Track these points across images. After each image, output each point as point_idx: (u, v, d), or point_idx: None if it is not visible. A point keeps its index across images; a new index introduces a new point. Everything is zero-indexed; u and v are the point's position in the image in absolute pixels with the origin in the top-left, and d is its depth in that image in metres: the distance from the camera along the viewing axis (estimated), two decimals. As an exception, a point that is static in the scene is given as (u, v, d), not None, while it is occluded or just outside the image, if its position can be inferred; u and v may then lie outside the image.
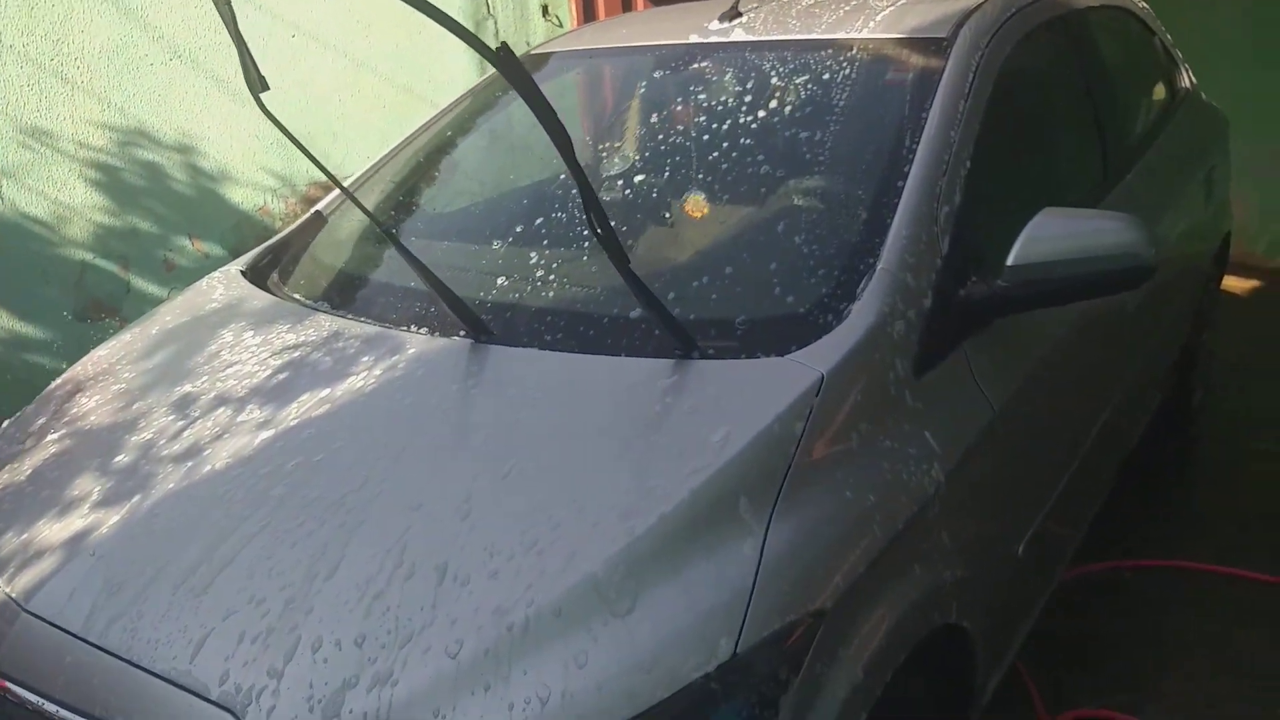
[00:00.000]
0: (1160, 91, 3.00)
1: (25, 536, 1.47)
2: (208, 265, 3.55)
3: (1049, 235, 1.64)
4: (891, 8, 2.14)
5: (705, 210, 1.90)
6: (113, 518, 1.44)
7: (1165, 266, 2.52)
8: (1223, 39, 4.59)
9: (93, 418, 1.70)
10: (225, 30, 1.38)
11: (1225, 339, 3.72)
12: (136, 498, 1.46)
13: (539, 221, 1.92)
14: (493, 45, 1.12)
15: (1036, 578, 2.05)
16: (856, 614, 1.33)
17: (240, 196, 3.88)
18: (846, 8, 2.20)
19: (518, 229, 1.94)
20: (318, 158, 1.60)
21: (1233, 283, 4.62)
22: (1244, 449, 3.29)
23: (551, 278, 1.78)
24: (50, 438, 1.70)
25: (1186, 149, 2.91)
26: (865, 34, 2.04)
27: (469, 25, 4.36)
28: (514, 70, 1.16)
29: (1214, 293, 3.42)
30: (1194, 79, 3.21)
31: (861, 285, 1.57)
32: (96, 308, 3.51)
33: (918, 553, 1.48)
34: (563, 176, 1.32)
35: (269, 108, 1.52)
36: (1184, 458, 3.33)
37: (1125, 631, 2.47)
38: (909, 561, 1.46)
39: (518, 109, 1.50)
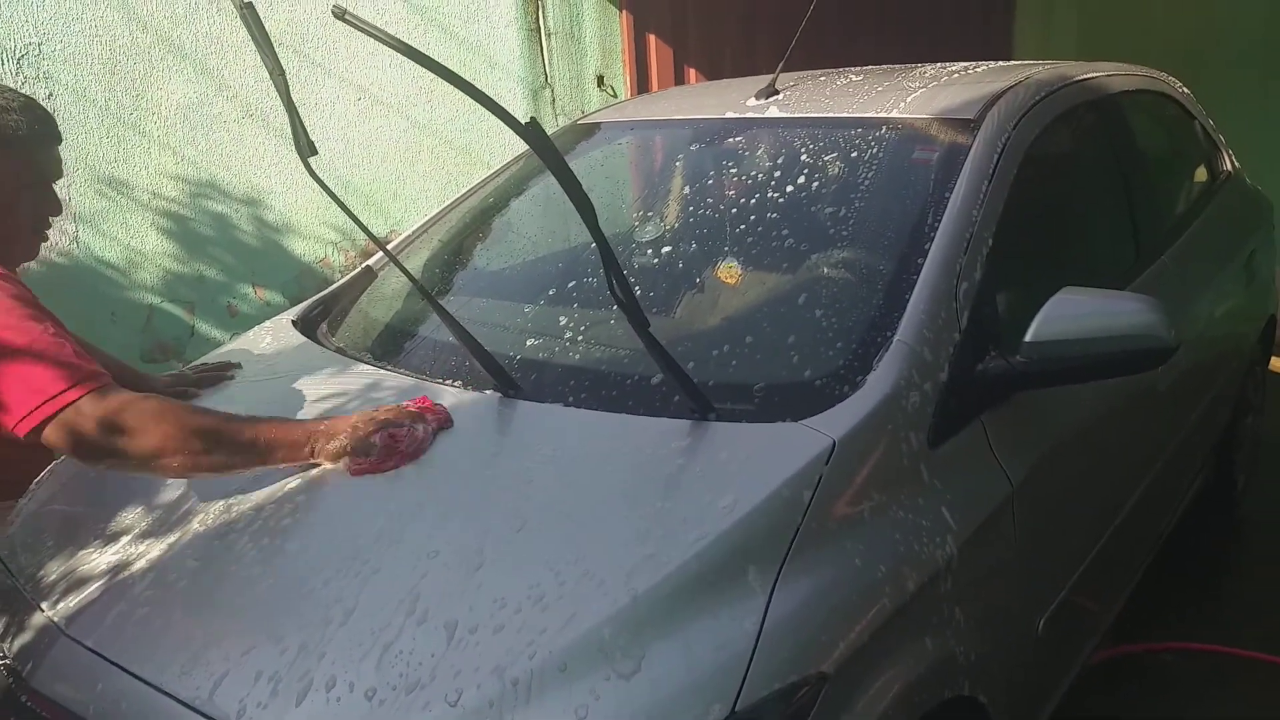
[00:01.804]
0: (1200, 175, 3.01)
1: (70, 564, 1.55)
2: (269, 313, 3.70)
3: (1067, 314, 1.67)
4: (924, 89, 2.20)
5: (734, 278, 1.96)
6: (151, 553, 1.51)
7: (1200, 348, 2.51)
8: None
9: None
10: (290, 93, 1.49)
11: (1275, 423, 3.65)
12: (174, 535, 1.54)
13: (570, 284, 2.00)
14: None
15: (1059, 655, 2.02)
16: (861, 681, 1.34)
17: (303, 249, 4.05)
18: (880, 87, 2.27)
19: (550, 290, 2.02)
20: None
21: (1285, 367, 4.53)
22: (1292, 536, 3.22)
23: (579, 338, 1.84)
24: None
25: (1226, 232, 2.91)
26: (895, 113, 2.10)
27: (528, 93, 4.54)
28: (539, 141, 1.25)
29: (1260, 376, 3.37)
30: (1237, 163, 3.21)
31: (878, 357, 1.61)
32: (162, 349, 3.67)
33: (928, 624, 1.49)
34: (593, 244, 1.41)
35: (316, 171, 1.63)
36: (1229, 543, 3.26)
37: (1159, 715, 2.42)
38: (918, 632, 1.47)
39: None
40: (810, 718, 1.25)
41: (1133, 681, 2.54)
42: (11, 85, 3.18)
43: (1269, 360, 3.46)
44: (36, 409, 1.46)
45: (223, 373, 2.01)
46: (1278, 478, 3.53)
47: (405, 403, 1.66)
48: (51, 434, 1.47)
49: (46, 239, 1.79)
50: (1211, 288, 2.67)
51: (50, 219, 1.76)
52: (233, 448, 1.53)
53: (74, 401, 1.47)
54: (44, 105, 1.71)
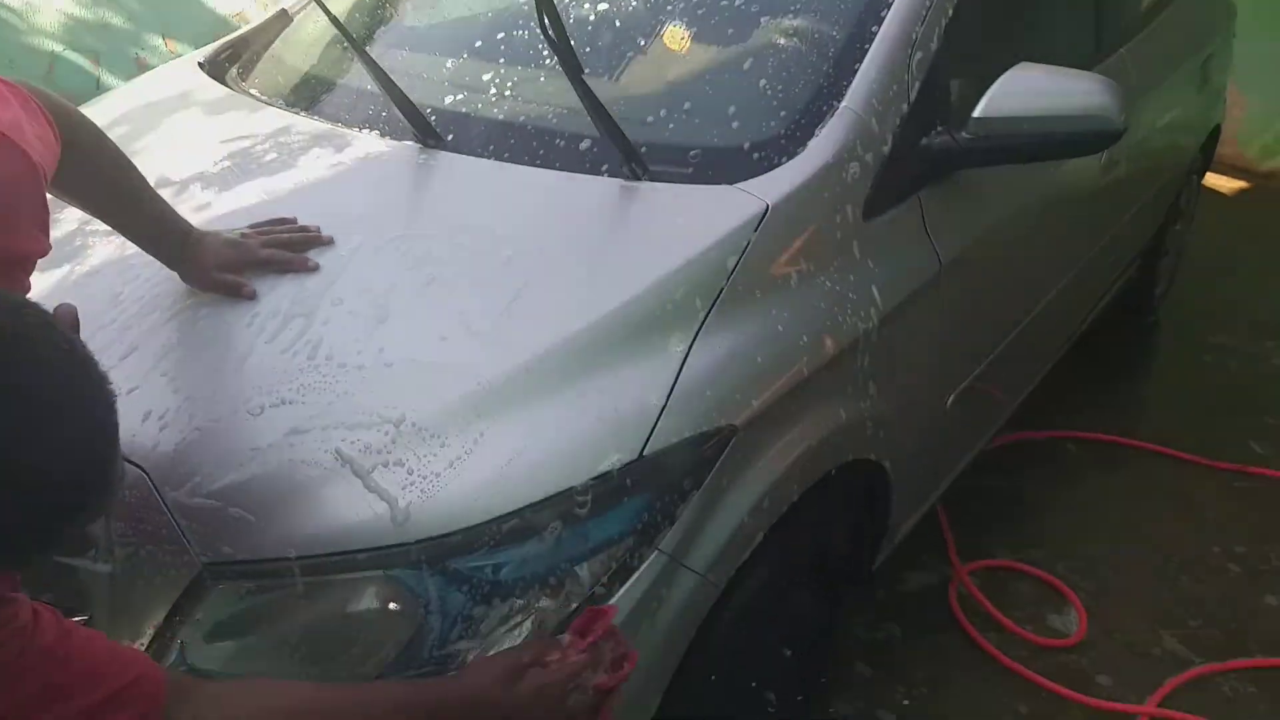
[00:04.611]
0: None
1: None
2: (180, 68, 3.45)
3: (1019, 90, 1.62)
4: None
5: (682, 44, 1.85)
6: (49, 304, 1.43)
7: (1144, 148, 2.49)
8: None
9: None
10: None
11: (1201, 235, 3.71)
12: (74, 284, 1.45)
13: (501, 36, 1.87)
14: None
15: (963, 432, 2.11)
16: (770, 438, 1.37)
17: (218, 0, 3.74)
18: None
19: (478, 43, 1.88)
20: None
21: (1220, 183, 4.58)
22: (1199, 342, 3.35)
23: (509, 91, 1.74)
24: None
25: (1186, 33, 2.82)
26: None
27: None
28: None
29: (1195, 185, 3.39)
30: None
31: (822, 123, 1.55)
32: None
33: (841, 389, 1.51)
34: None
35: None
36: (1140, 344, 3.39)
37: (1051, 497, 2.58)
38: (831, 396, 1.49)
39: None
40: (716, 466, 1.28)
41: (1033, 464, 2.69)
42: None
43: (1205, 171, 3.47)
44: None
45: (317, 239, 1.44)
46: (1192, 288, 3.62)
47: (576, 636, 1.15)
48: None
49: None
50: (1165, 86, 2.61)
51: None
52: None
53: None
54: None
